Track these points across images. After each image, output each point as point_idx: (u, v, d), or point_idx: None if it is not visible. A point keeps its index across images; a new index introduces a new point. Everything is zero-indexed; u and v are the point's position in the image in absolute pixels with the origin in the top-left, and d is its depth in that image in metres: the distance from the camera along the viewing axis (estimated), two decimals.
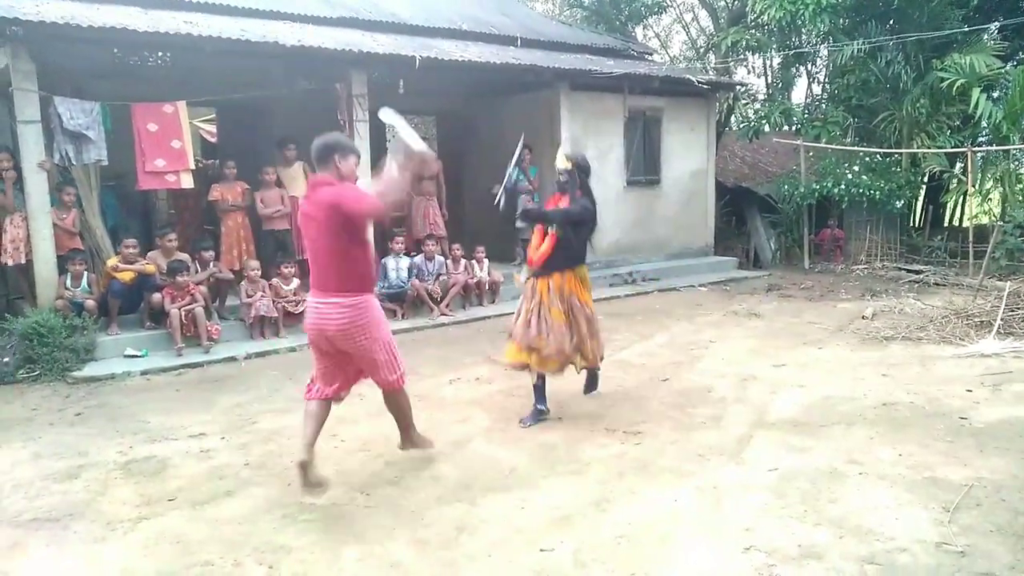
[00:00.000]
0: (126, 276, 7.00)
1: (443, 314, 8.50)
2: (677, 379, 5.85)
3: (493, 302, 9.19)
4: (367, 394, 5.58)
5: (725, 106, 15.19)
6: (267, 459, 4.36)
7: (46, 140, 6.92)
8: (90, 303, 6.82)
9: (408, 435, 4.17)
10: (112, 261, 7.07)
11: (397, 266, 8.53)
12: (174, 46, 7.60)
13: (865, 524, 3.32)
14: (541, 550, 3.19)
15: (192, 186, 8.03)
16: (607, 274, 10.37)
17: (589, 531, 3.35)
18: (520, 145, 5.76)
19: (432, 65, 8.54)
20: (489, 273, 9.19)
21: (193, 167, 7.89)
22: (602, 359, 5.13)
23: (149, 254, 7.37)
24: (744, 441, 4.44)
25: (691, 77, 11.50)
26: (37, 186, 6.83)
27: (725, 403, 5.21)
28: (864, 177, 11.66)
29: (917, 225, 13.25)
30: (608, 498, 3.69)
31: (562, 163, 4.88)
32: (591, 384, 5.31)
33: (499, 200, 5.08)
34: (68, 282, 6.89)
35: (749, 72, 16.79)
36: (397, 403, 4.04)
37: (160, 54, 8.74)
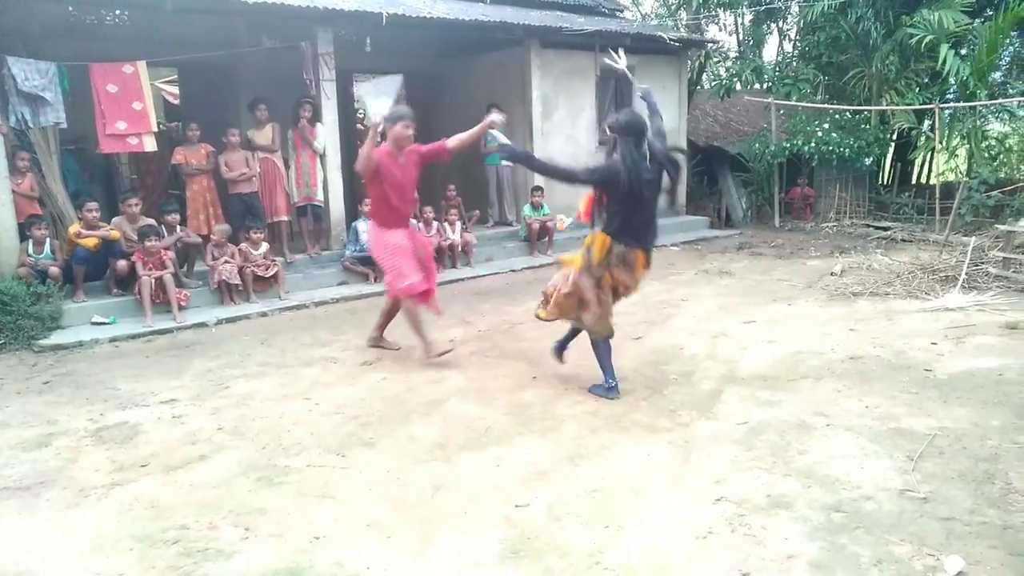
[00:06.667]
0: (90, 242, 6.84)
1: None
2: (649, 337, 5.91)
3: (467, 264, 9.16)
4: (340, 358, 5.61)
5: (697, 64, 15.10)
6: (240, 423, 4.34)
7: (0, 102, 6.70)
8: (54, 270, 6.68)
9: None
10: (74, 227, 6.90)
11: (368, 228, 8.42)
12: (132, 4, 7.38)
13: (832, 474, 3.41)
14: (517, 506, 3.23)
15: (155, 149, 7.83)
16: (580, 235, 10.33)
17: (564, 486, 3.39)
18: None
19: (399, 22, 8.37)
20: (462, 235, 9.15)
21: (156, 129, 7.69)
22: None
23: (113, 220, 7.20)
24: (714, 396, 4.51)
25: (663, 35, 11.42)
26: None
27: (696, 360, 5.27)
28: (834, 135, 11.73)
29: (885, 182, 13.37)
30: (582, 454, 3.73)
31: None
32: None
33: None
34: (30, 249, 6.73)
35: (720, 30, 16.72)
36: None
37: (118, 12, 8.47)
